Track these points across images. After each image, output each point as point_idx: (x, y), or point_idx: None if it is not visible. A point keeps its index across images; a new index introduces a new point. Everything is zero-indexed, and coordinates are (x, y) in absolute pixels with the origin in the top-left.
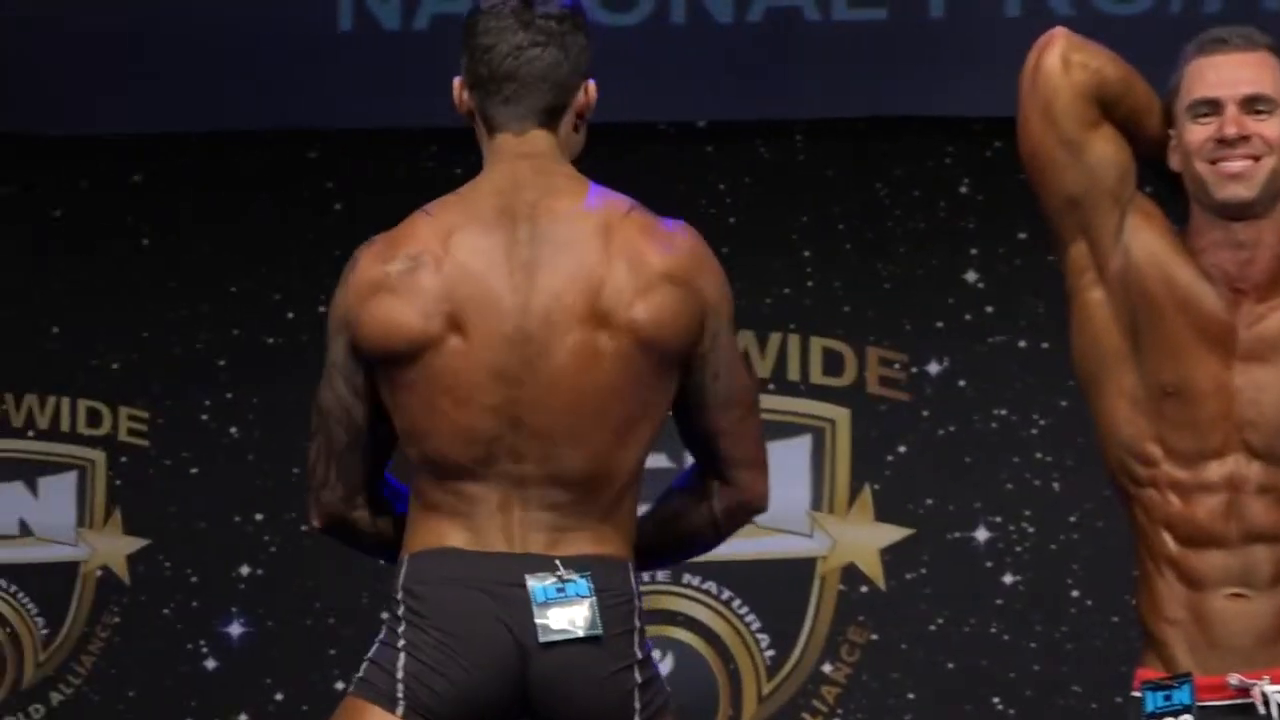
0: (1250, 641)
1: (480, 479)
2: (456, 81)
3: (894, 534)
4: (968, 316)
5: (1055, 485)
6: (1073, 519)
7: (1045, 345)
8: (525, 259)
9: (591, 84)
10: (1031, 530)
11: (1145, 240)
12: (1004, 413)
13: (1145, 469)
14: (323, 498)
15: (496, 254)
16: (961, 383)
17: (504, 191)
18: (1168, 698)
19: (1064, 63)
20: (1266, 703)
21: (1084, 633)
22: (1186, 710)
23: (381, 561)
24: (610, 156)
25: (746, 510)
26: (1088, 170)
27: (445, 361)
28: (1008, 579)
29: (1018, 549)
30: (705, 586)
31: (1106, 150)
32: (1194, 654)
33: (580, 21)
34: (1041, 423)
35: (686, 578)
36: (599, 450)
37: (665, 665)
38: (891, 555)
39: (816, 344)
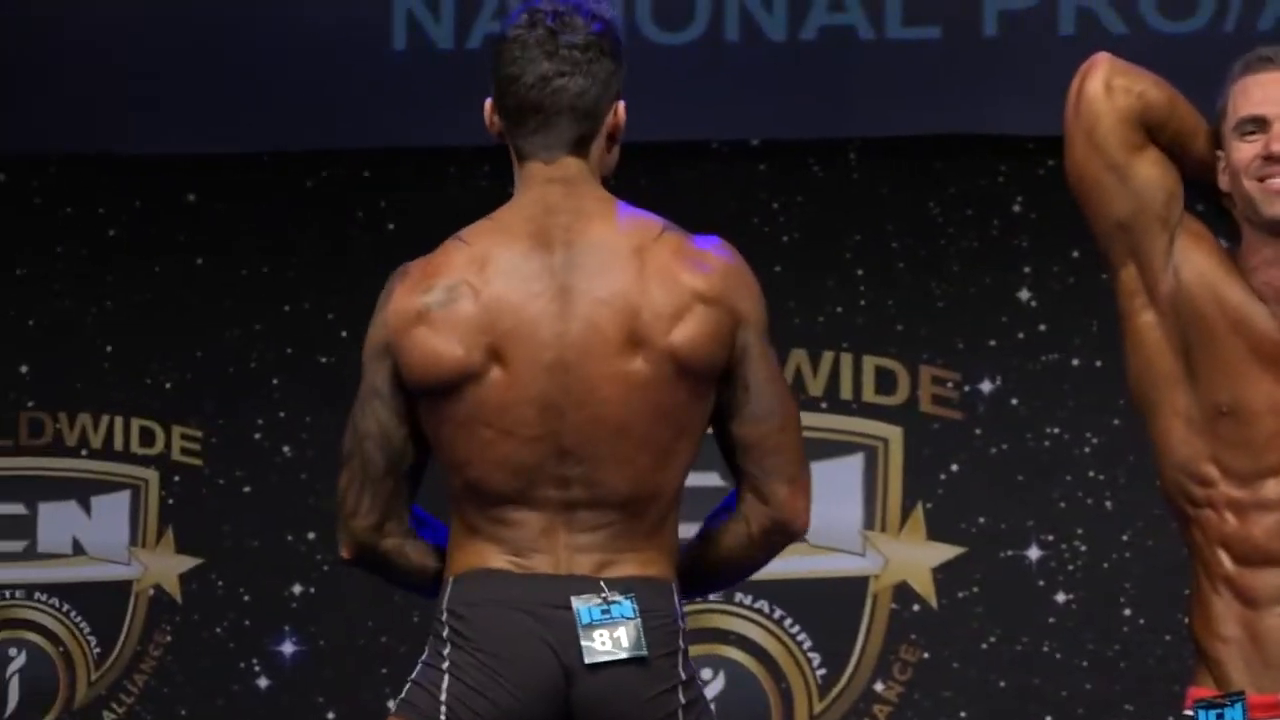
0: None
1: (524, 505)
2: (488, 103)
3: (946, 552)
4: (1020, 335)
5: (1107, 503)
6: (1125, 537)
7: (1098, 363)
8: (561, 285)
9: (621, 105)
10: (1084, 549)
11: (1195, 262)
12: (1056, 431)
13: (1202, 489)
14: (354, 526)
15: (533, 283)
16: (1014, 401)
17: (536, 217)
18: (1220, 716)
19: (1107, 88)
20: None
21: (1136, 651)
22: None
23: (410, 592)
24: (662, 174)
25: (783, 531)
26: (1134, 194)
27: (487, 393)
28: (1060, 597)
29: (1070, 567)
30: (757, 605)
31: (1153, 173)
32: (1248, 672)
33: (608, 45)
34: (1094, 441)
35: (739, 596)
36: (641, 473)
37: (717, 684)
38: (944, 574)
39: (869, 362)
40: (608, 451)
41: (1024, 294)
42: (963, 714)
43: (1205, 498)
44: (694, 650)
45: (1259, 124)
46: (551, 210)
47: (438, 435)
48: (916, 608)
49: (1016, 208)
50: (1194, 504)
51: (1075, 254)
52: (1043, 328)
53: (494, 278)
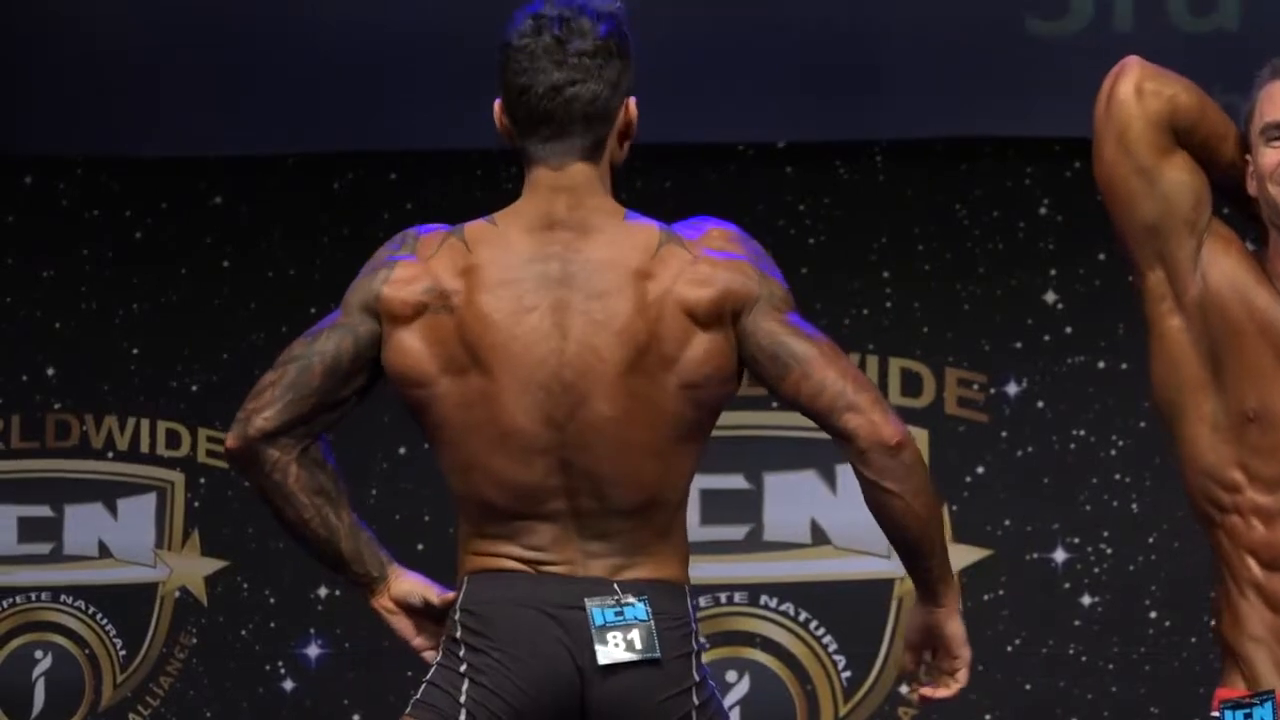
0: None
1: (534, 516)
2: (497, 106)
3: (972, 555)
4: (1046, 337)
5: (1134, 506)
6: (1151, 540)
7: (1124, 366)
8: (556, 300)
9: (632, 101)
10: (1109, 551)
11: (1223, 266)
12: (1082, 433)
13: (1229, 495)
14: (253, 420)
15: (527, 297)
16: (1040, 404)
17: (537, 230)
18: (1248, 715)
19: (1137, 91)
20: None
21: (1162, 654)
22: None
23: (278, 523)
24: (690, 176)
25: (879, 451)
26: (1163, 197)
27: (472, 405)
28: (1086, 600)
29: (1096, 570)
30: (782, 608)
31: (1181, 177)
32: (1277, 672)
33: (616, 45)
34: (1120, 444)
35: (763, 599)
36: (649, 482)
37: (742, 687)
38: (969, 576)
39: (895, 365)
40: (611, 464)
41: (1050, 296)
42: (987, 716)
43: (1232, 504)
44: (719, 653)
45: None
46: (555, 224)
47: (432, 441)
48: None
49: (1043, 210)
50: (1221, 509)
51: (1101, 256)
52: (1069, 330)
53: (486, 290)
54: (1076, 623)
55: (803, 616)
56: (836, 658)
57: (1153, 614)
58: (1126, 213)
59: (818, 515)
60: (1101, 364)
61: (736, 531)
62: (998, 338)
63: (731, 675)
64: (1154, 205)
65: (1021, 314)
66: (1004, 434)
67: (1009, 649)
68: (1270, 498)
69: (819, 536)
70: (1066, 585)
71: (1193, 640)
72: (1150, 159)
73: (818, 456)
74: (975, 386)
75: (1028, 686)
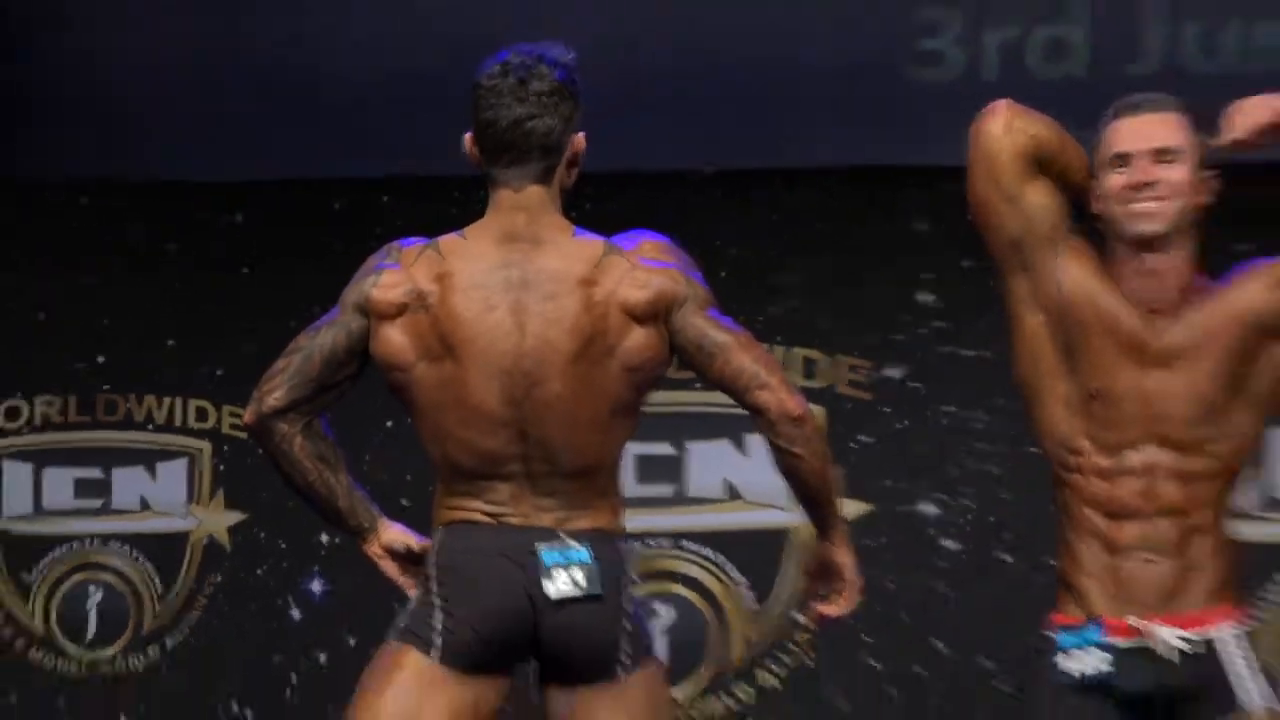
0: (1155, 598)
1: (495, 478)
2: (467, 139)
3: (858, 508)
4: (921, 331)
5: (992, 469)
6: (1004, 497)
7: (987, 354)
8: (515, 301)
9: (581, 136)
10: (971, 505)
11: (1075, 274)
12: (951, 409)
13: (1076, 458)
14: (265, 399)
15: (492, 297)
16: (916, 385)
17: (501, 241)
18: (1079, 633)
19: (1006, 128)
20: (1162, 644)
21: (1012, 590)
22: (1096, 645)
23: (286, 485)
24: (633, 198)
25: (785, 422)
26: (1026, 218)
27: (446, 388)
28: (950, 545)
29: (959, 521)
30: (702, 552)
31: (1042, 201)
32: (1107, 604)
33: (567, 87)
34: (983, 419)
35: (685, 544)
36: (591, 449)
37: (669, 615)
38: (855, 526)
39: (799, 353)
40: (560, 435)
41: (926, 297)
42: (869, 640)
43: (1077, 465)
44: (650, 588)
45: (1124, 159)
46: (515, 237)
47: (413, 416)
48: None
49: (923, 226)
50: (1069, 470)
51: (966, 264)
52: (940, 325)
53: (457, 292)
54: (942, 564)
55: (718, 559)
56: (744, 591)
57: (1005, 557)
58: (995, 230)
59: (730, 476)
60: (968, 353)
61: (664, 489)
62: (882, 331)
63: (660, 606)
64: (1018, 223)
65: (901, 312)
66: (886, 410)
67: (888, 586)
68: (1110, 461)
69: (732, 493)
70: (932, 532)
71: (1038, 578)
72: (1015, 186)
73: (731, 428)
74: (862, 371)
75: (902, 616)
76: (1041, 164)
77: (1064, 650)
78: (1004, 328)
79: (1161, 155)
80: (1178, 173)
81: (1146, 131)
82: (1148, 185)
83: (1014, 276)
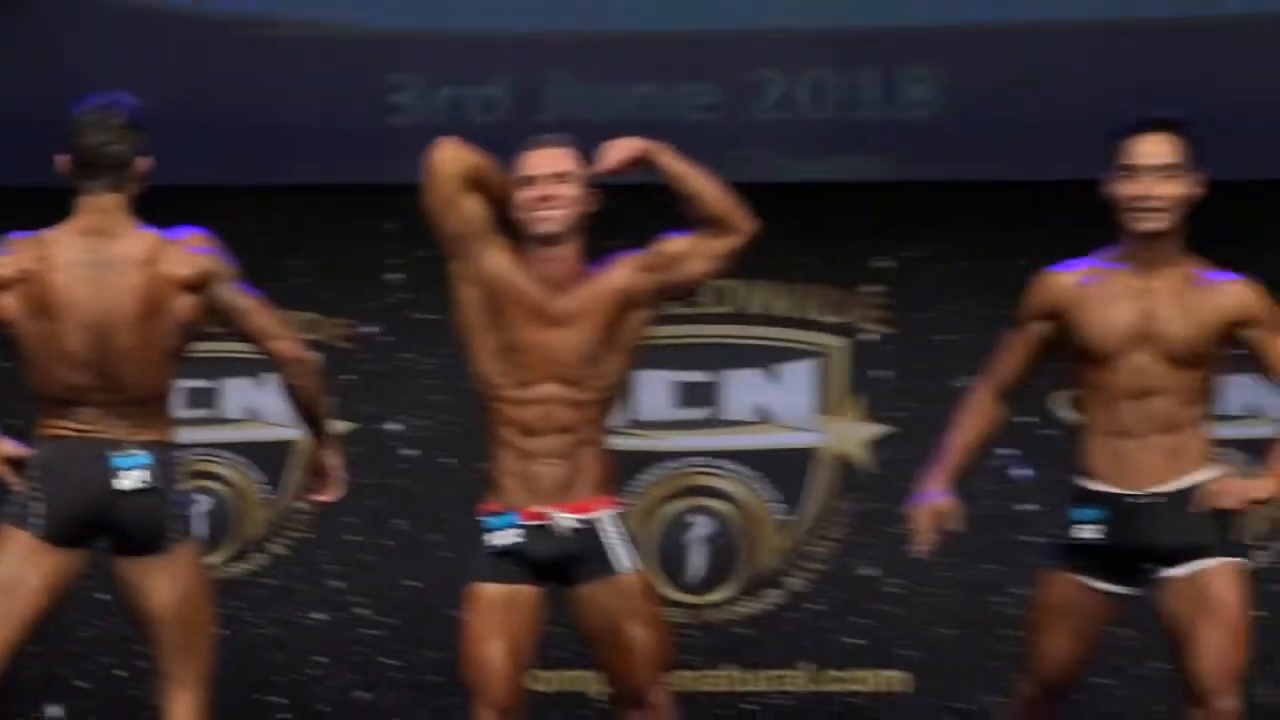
0: (554, 491)
1: (81, 403)
2: (61, 159)
3: (344, 426)
4: (390, 300)
5: (440, 396)
6: (444, 419)
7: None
8: (96, 277)
9: (146, 159)
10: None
11: (498, 260)
12: (410, 356)
13: (498, 391)
14: None
15: (80, 274)
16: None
17: (87, 234)
18: (501, 518)
19: (450, 157)
20: (558, 524)
21: (454, 487)
22: (513, 526)
23: None
24: None
25: (293, 363)
26: (464, 219)
27: (44, 337)
28: (406, 453)
29: (416, 435)
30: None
31: (476, 208)
32: (521, 496)
33: (136, 119)
34: (434, 362)
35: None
36: (152, 383)
37: (705, 526)
38: (342, 438)
39: (301, 315)
40: (128, 373)
41: (396, 276)
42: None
43: (499, 396)
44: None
45: (533, 180)
46: (96, 231)
47: (22, 359)
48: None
49: (394, 226)
50: (493, 400)
51: (422, 254)
52: (406, 295)
53: (55, 270)
54: (402, 467)
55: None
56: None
57: (450, 461)
58: (442, 228)
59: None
60: (427, 316)
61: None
62: (362, 300)
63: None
64: (458, 225)
65: (376, 286)
66: (364, 356)
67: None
68: (520, 393)
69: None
70: (395, 444)
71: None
72: (455, 198)
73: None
74: (347, 328)
75: (368, 503)
76: (474, 182)
77: (490, 529)
78: (450, 298)
79: (558, 178)
80: (570, 190)
81: (547, 160)
82: (548, 199)
83: (455, 261)
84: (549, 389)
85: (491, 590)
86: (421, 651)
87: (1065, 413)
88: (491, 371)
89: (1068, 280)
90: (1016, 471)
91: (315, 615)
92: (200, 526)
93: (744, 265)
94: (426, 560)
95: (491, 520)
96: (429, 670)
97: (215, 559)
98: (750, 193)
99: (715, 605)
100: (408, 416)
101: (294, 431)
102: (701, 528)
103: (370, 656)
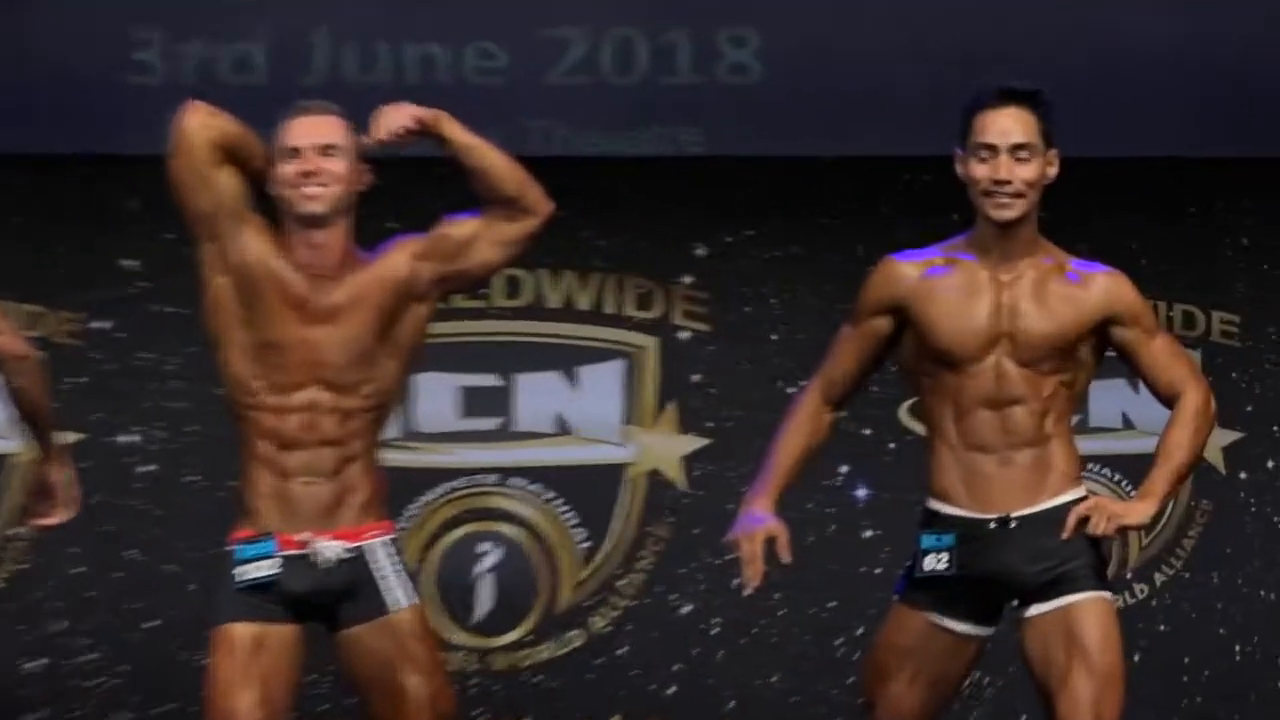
0: (317, 515)
1: None
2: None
3: (73, 437)
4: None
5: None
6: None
7: (185, 310)
8: None
9: None
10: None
11: (254, 244)
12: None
13: (251, 397)
14: None
15: None
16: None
17: None
18: (255, 545)
19: (199, 124)
20: (321, 553)
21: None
22: (268, 556)
23: None
24: None
25: (13, 360)
26: (216, 195)
27: None
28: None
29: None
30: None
31: (229, 182)
32: (278, 521)
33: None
34: (179, 363)
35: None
36: None
37: (495, 556)
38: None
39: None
40: None
41: (132, 263)
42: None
43: (255, 403)
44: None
45: (296, 152)
46: None
47: None
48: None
49: (134, 205)
50: (247, 407)
51: (169, 236)
52: (143, 284)
53: None
54: (137, 485)
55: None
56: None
57: (195, 478)
58: (190, 205)
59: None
60: (168, 309)
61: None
62: (92, 290)
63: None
64: (209, 201)
65: (109, 274)
66: (95, 355)
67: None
68: (279, 399)
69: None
70: (129, 460)
71: (224, 497)
72: (206, 169)
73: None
74: (75, 323)
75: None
76: (228, 153)
77: (242, 560)
78: (198, 289)
79: (325, 150)
80: (338, 164)
81: (313, 130)
82: (312, 174)
83: (204, 244)
84: (312, 395)
85: (241, 631)
86: (159, 706)
87: (913, 423)
88: (244, 374)
89: (911, 270)
90: (857, 492)
91: (32, 662)
92: None
93: (541, 252)
94: (165, 596)
95: (243, 549)
96: None
97: None
98: (546, 169)
99: (508, 649)
100: (145, 426)
101: (12, 443)
102: (491, 557)
103: (98, 711)
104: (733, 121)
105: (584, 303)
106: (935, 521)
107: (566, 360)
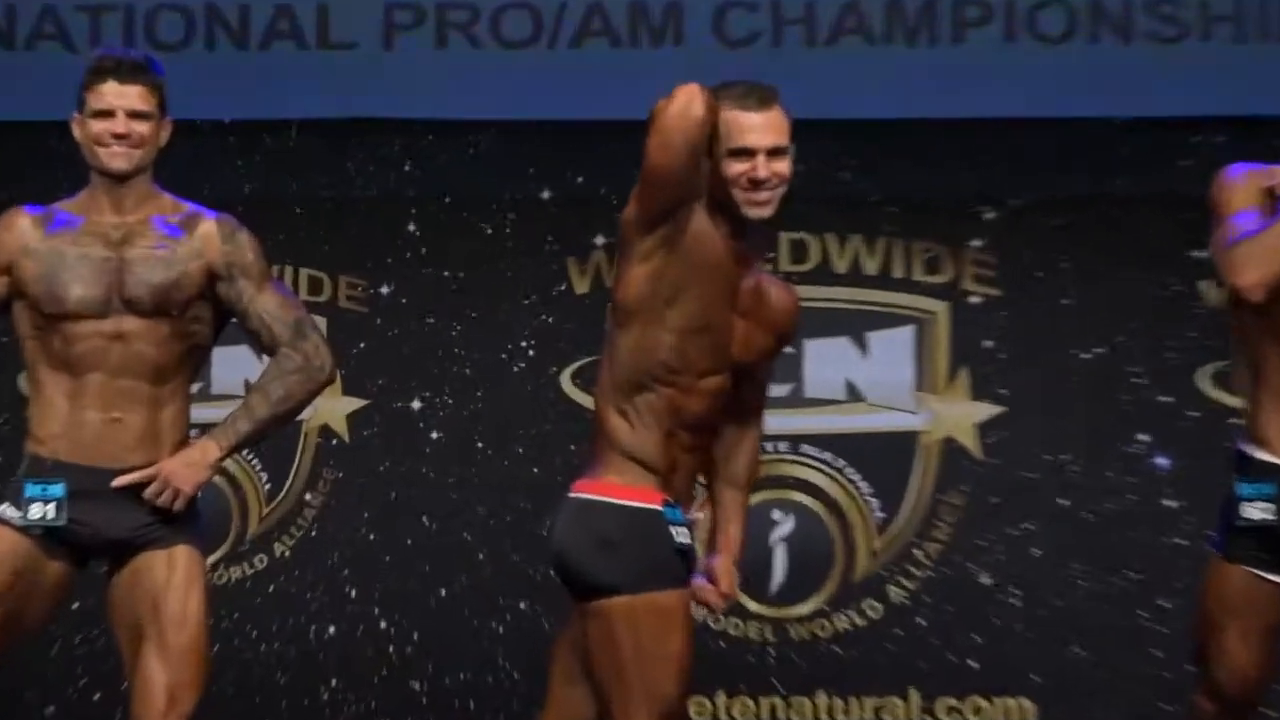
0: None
1: None
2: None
3: (354, 404)
4: (409, 255)
5: (467, 370)
6: (479, 393)
7: (463, 275)
8: None
9: None
10: (450, 402)
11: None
12: (431, 321)
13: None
14: None
15: None
16: (403, 300)
17: None
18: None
19: (707, 109)
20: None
21: (489, 470)
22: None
23: None
24: None
25: None
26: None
27: None
28: (434, 435)
29: (441, 414)
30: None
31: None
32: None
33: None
34: (458, 328)
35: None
36: None
37: (788, 525)
38: (354, 419)
39: (304, 272)
40: None
41: (412, 226)
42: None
43: (675, 382)
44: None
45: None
46: None
47: None
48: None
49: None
50: (665, 385)
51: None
52: (424, 251)
53: None
54: (427, 450)
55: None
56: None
57: (480, 444)
58: (666, 189)
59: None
60: (446, 273)
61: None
62: (376, 254)
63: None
64: (692, 188)
65: (390, 240)
66: (378, 321)
67: (380, 469)
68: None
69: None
70: (421, 425)
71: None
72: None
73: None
74: (359, 288)
75: (393, 495)
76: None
77: (674, 522)
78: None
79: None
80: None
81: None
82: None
83: (660, 226)
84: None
85: None
86: (451, 675)
87: (1214, 391)
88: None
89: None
90: (1158, 460)
91: (326, 630)
92: None
93: (827, 216)
94: (456, 562)
95: (671, 512)
96: None
97: None
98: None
99: (804, 619)
100: (433, 390)
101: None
102: (785, 526)
103: (392, 679)
104: (1023, 83)
105: (871, 268)
106: (1250, 468)
107: (855, 326)
